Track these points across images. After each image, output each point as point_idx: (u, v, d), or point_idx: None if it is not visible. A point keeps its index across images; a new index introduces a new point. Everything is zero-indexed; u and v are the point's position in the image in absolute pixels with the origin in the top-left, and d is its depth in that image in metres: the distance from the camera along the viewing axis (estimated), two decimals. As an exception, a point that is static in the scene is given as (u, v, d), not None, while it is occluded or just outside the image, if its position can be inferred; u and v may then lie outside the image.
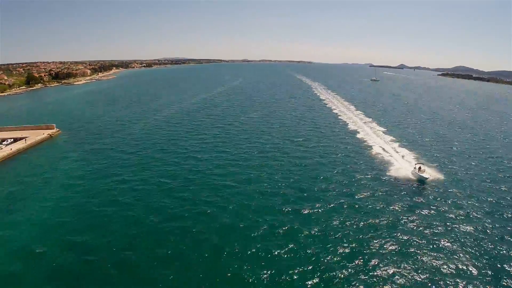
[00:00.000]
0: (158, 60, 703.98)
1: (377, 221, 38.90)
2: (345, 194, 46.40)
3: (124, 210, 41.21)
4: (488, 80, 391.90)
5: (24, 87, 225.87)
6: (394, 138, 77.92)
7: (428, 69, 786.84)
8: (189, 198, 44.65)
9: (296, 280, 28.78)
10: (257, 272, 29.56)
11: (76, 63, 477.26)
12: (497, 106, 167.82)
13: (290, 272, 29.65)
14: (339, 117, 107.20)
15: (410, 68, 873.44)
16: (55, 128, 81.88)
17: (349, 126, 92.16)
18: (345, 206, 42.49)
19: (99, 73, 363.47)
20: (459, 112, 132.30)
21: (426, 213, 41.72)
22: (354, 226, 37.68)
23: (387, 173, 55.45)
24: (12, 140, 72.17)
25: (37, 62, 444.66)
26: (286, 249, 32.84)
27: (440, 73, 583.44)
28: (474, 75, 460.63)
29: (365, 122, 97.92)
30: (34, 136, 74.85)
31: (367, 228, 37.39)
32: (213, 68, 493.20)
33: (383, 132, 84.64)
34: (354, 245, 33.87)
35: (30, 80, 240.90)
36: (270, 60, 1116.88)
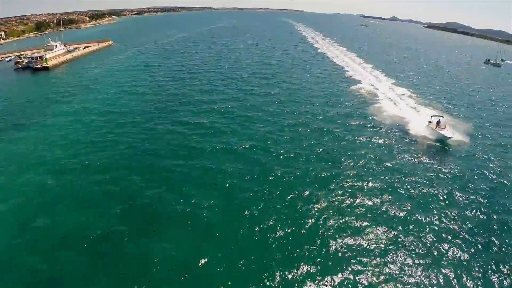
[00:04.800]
0: (148, 8, 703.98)
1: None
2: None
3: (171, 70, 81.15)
4: (471, 35, 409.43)
5: (35, 32, 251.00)
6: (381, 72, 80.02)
7: (420, 22, 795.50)
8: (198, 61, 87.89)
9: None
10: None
11: (66, 13, 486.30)
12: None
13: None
14: (318, 49, 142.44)
15: (401, 20, 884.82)
16: (111, 41, 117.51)
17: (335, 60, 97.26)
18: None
19: (97, 20, 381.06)
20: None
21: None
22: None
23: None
24: (83, 47, 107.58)
25: (27, 15, 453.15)
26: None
27: (426, 25, 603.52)
28: (459, 29, 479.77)
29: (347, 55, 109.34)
30: (99, 45, 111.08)
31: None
32: (207, 14, 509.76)
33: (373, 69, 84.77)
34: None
35: (39, 27, 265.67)
36: (261, 8, 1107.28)
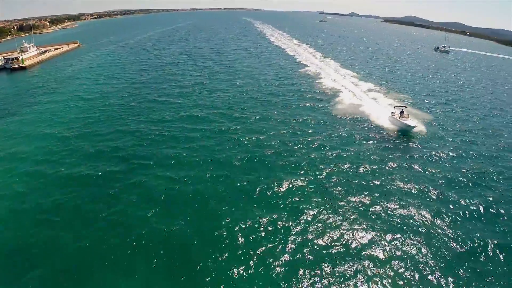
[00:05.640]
0: (107, 12, 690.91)
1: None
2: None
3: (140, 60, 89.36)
4: (428, 27, 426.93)
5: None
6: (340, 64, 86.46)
7: (378, 17, 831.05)
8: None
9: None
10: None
11: (24, 19, 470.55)
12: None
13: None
14: (274, 43, 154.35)
15: (360, 16, 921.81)
16: (79, 43, 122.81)
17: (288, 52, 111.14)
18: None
19: (58, 25, 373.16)
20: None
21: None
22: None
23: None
24: (53, 49, 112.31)
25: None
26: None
27: (383, 20, 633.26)
28: (416, 23, 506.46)
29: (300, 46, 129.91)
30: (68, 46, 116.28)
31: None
32: (166, 16, 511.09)
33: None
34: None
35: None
36: (220, 8, 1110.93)
